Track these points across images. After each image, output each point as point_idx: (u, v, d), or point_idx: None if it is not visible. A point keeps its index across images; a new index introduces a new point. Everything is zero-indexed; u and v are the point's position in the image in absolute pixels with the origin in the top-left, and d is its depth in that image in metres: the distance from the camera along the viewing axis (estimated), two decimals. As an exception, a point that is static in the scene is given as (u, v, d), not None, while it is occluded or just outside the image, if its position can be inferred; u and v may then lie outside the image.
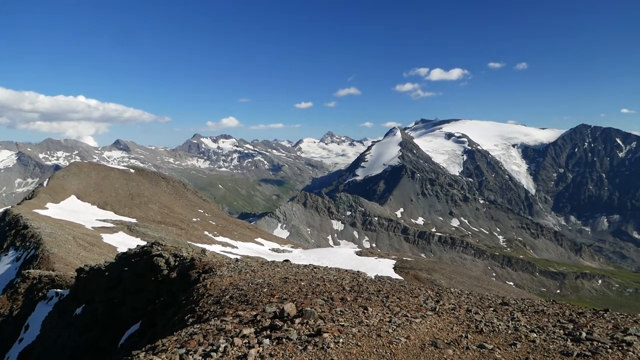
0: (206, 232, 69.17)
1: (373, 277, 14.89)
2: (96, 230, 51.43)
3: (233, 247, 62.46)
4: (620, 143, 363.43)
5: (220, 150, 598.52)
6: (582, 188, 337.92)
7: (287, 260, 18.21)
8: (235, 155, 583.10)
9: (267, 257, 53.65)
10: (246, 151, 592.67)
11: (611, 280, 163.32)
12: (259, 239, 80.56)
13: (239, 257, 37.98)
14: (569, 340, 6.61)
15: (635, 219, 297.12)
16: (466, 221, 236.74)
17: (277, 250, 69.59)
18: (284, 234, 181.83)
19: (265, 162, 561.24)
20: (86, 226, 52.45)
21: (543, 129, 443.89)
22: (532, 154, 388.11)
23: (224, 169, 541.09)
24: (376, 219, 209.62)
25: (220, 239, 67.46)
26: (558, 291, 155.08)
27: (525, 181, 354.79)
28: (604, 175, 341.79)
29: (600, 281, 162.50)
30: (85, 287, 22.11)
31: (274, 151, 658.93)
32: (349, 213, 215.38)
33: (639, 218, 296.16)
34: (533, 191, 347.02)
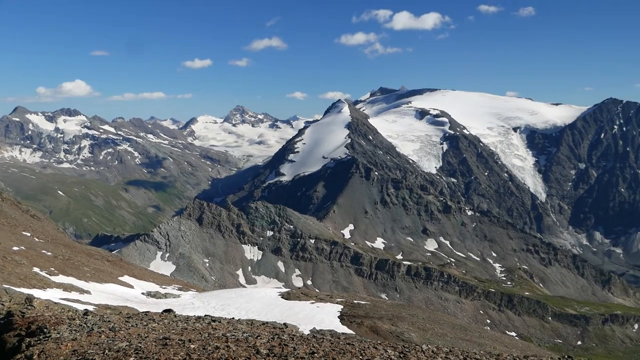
0: (36, 269, 66.00)
1: (307, 333, 14.89)
2: None
3: (82, 291, 60.07)
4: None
5: (60, 135, 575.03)
6: (611, 191, 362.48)
7: (169, 311, 17.84)
8: (85, 143, 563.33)
9: (139, 306, 52.23)
10: (104, 136, 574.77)
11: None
12: (126, 278, 78.18)
13: (91, 307, 36.64)
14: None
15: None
16: (447, 243, 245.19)
17: (155, 295, 67.83)
18: (166, 268, 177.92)
19: (136, 154, 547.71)
20: None
21: (556, 105, 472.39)
22: (541, 141, 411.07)
23: (67, 165, 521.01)
24: (312, 241, 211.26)
25: (60, 279, 64.62)
26: (579, 343, 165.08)
27: (532, 182, 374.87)
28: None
29: (636, 326, 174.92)
30: None
31: (150, 136, 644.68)
32: (270, 234, 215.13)
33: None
34: (543, 196, 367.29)
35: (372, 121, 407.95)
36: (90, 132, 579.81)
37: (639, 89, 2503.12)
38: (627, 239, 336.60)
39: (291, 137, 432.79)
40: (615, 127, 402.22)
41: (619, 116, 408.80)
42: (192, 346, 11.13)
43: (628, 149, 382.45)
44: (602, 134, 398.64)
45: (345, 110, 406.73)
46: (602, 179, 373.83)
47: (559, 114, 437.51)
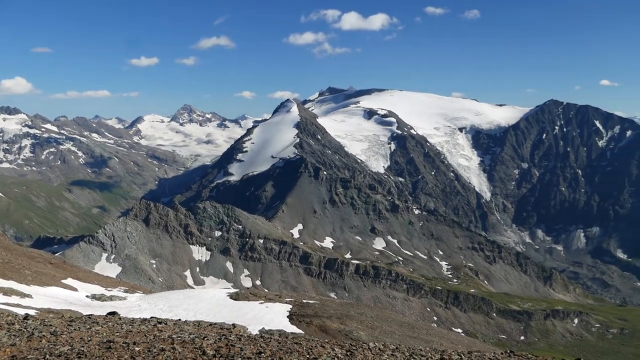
0: (-26, 272, 63.91)
1: (256, 333, 14.81)
2: None
3: (23, 295, 58.36)
4: (600, 127, 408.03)
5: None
6: (552, 190, 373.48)
7: (114, 313, 17.50)
8: (27, 142, 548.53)
9: (84, 309, 51.09)
10: (46, 135, 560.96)
11: (590, 318, 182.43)
12: (70, 281, 76.35)
13: (32, 312, 35.63)
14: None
15: (619, 233, 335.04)
16: (395, 241, 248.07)
17: (100, 298, 66.47)
18: (112, 269, 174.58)
19: (80, 154, 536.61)
20: None
21: (500, 105, 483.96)
22: (485, 141, 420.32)
23: (6, 165, 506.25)
24: (261, 241, 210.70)
25: (-1, 282, 62.71)
26: (522, 338, 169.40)
27: (477, 181, 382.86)
28: (579, 172, 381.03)
29: (576, 320, 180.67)
30: None
31: (94, 135, 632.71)
32: (218, 234, 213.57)
33: (624, 231, 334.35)
34: (487, 195, 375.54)
35: (321, 121, 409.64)
36: (32, 131, 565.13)
37: (578, 91, 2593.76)
38: (568, 236, 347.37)
39: (240, 136, 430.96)
40: (556, 127, 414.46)
41: (560, 117, 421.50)
42: (137, 349, 10.94)
43: (568, 149, 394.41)
44: (544, 135, 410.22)
45: (294, 109, 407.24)
46: (543, 179, 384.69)
47: (503, 115, 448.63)
